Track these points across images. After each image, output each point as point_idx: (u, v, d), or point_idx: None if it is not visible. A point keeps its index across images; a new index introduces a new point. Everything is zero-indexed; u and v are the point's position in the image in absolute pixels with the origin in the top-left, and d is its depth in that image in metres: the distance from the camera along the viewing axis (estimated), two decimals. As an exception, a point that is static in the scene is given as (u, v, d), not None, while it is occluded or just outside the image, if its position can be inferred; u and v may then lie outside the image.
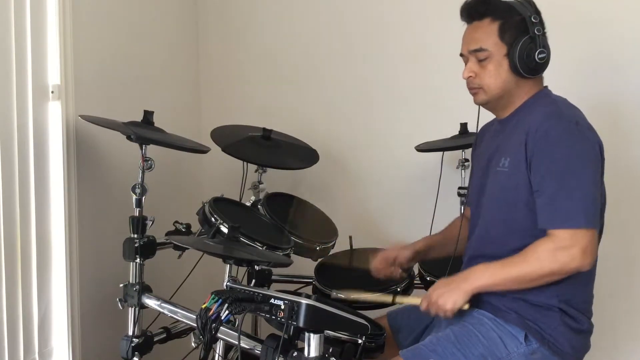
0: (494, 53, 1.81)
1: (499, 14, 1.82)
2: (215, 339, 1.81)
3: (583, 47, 2.59)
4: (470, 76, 1.86)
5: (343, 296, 2.13)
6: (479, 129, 2.05)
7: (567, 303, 1.79)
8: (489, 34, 1.82)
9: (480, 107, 1.92)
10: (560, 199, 1.70)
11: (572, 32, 2.55)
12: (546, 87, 1.90)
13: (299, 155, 2.72)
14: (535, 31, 1.79)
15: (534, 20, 1.80)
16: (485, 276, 1.76)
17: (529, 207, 1.77)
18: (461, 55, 1.89)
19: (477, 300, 1.80)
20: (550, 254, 1.69)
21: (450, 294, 1.77)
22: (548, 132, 1.74)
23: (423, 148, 2.63)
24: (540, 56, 1.80)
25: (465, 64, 1.87)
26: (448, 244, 2.09)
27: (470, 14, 1.86)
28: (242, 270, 2.23)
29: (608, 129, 2.48)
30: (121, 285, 2.19)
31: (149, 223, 2.20)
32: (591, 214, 1.70)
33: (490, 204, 1.88)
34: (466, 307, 1.78)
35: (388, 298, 2.04)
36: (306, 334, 1.62)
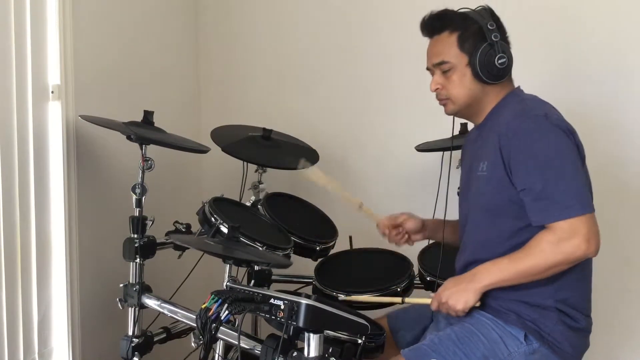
0: (456, 64, 1.85)
1: (456, 25, 1.86)
2: (215, 339, 1.81)
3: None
4: (437, 88, 1.90)
5: (350, 299, 2.13)
6: (460, 137, 2.08)
7: (563, 302, 1.79)
8: (449, 46, 1.86)
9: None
10: (550, 192, 1.71)
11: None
12: (518, 87, 1.92)
13: (299, 155, 2.72)
14: (493, 37, 1.82)
15: (490, 27, 1.82)
16: (493, 273, 1.77)
17: (512, 207, 1.78)
18: (427, 69, 1.94)
19: (481, 301, 1.80)
20: (554, 246, 1.69)
21: (460, 294, 1.78)
22: (518, 130, 1.75)
23: (423, 148, 2.63)
24: (500, 61, 1.82)
25: (432, 77, 1.92)
26: (456, 232, 2.09)
27: (429, 29, 1.90)
28: (242, 270, 2.23)
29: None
30: (121, 285, 2.19)
31: (149, 223, 2.20)
32: (584, 199, 1.71)
33: (475, 210, 1.90)
34: (477, 304, 1.79)
35: (397, 299, 2.04)
36: (306, 334, 1.62)
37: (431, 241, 2.35)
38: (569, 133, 1.77)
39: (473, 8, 1.87)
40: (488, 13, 1.86)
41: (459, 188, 2.54)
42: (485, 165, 1.83)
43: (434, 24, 1.89)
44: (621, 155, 2.58)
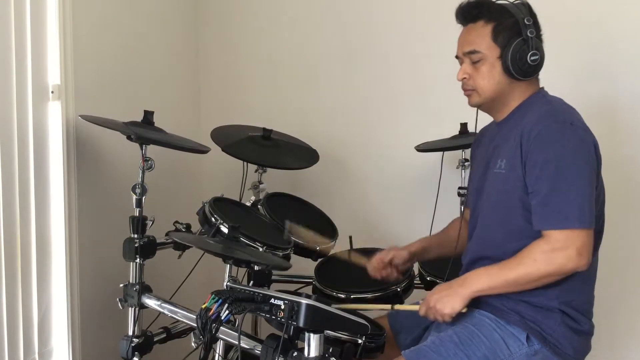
0: (487, 55, 1.83)
1: (492, 16, 1.82)
2: (215, 339, 1.81)
3: (580, 48, 2.60)
4: (465, 78, 1.87)
5: (342, 307, 2.13)
6: (477, 130, 2.05)
7: (567, 304, 1.79)
8: (482, 36, 1.83)
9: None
10: (555, 200, 1.70)
11: (569, 34, 2.57)
12: (542, 88, 1.90)
13: (299, 155, 2.72)
14: (528, 33, 1.79)
15: (526, 23, 1.80)
16: (482, 280, 1.76)
17: (525, 208, 1.77)
18: (456, 57, 1.91)
19: (479, 301, 1.80)
20: (546, 256, 1.69)
21: (448, 299, 1.77)
22: (542, 132, 1.74)
23: (423, 148, 2.63)
24: (532, 58, 1.79)
25: (461, 66, 1.89)
26: (446, 245, 2.10)
27: (464, 16, 1.87)
28: (242, 270, 2.23)
29: (606, 131, 2.51)
30: (121, 285, 2.19)
31: (149, 223, 2.20)
32: (586, 214, 1.70)
33: (488, 207, 1.88)
34: (464, 310, 1.78)
35: (387, 307, 2.02)
36: (306, 334, 1.62)
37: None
38: (591, 145, 1.76)
39: (511, 1, 1.84)
40: (526, 8, 1.83)
41: (459, 188, 2.56)
42: (503, 163, 1.82)
43: (470, 11, 1.85)
44: (622, 155, 2.57)
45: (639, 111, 2.56)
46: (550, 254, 1.69)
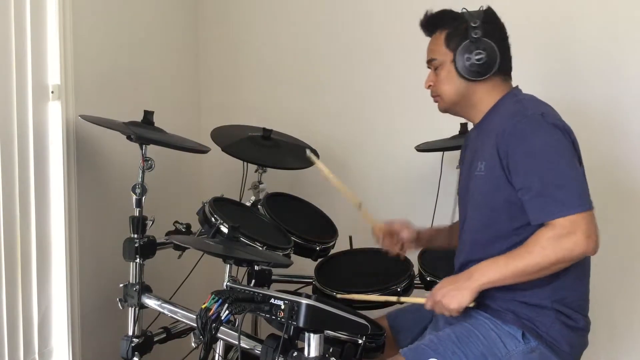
0: (443, 61, 1.91)
1: (446, 24, 1.91)
2: (215, 339, 1.81)
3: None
4: (430, 85, 1.96)
5: (347, 297, 2.13)
6: (460, 137, 2.10)
7: (560, 302, 1.79)
8: (438, 44, 1.92)
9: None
10: (549, 190, 1.70)
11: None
12: (515, 87, 1.93)
13: (299, 155, 2.72)
14: (473, 35, 1.84)
15: (473, 25, 1.85)
16: (490, 272, 1.76)
17: (509, 207, 1.78)
18: (427, 67, 1.99)
19: (477, 301, 1.80)
20: (554, 243, 1.68)
21: (455, 293, 1.77)
22: (514, 130, 1.76)
23: (423, 148, 2.63)
24: (477, 57, 1.84)
25: None
26: (452, 237, 2.10)
27: (425, 29, 1.97)
28: (242, 270, 2.23)
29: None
30: (121, 285, 2.19)
31: (149, 223, 2.20)
32: (583, 195, 1.71)
33: (474, 210, 1.90)
34: (472, 305, 1.78)
35: (392, 298, 2.04)
36: (306, 334, 1.62)
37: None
38: (565, 131, 1.77)
39: (475, 9, 1.89)
40: (481, 12, 1.89)
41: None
42: (482, 165, 1.84)
43: (427, 25, 1.95)
44: (620, 155, 2.58)
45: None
46: (557, 240, 1.68)
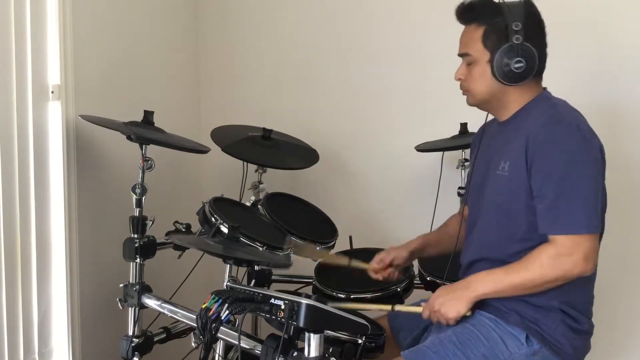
0: (478, 59, 1.83)
1: (484, 19, 1.82)
2: (215, 339, 1.81)
3: (584, 50, 2.60)
4: (460, 79, 1.89)
5: (340, 307, 2.13)
6: (479, 127, 2.06)
7: (567, 304, 1.79)
8: (474, 39, 1.84)
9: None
10: (562, 205, 1.70)
11: (574, 35, 2.57)
12: (545, 89, 1.89)
13: (299, 155, 2.72)
14: (514, 40, 1.76)
15: (514, 28, 1.76)
16: (487, 283, 1.76)
17: (528, 212, 1.76)
18: (459, 55, 1.91)
19: (478, 301, 1.80)
20: (553, 261, 1.69)
21: (452, 302, 1.77)
22: (548, 136, 1.73)
23: (423, 148, 2.63)
24: (516, 65, 1.77)
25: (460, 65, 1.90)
26: (444, 242, 2.10)
27: (460, 18, 1.88)
28: (242, 270, 2.23)
29: (607, 130, 2.50)
30: (121, 285, 2.19)
31: (149, 223, 2.20)
32: (593, 219, 1.70)
33: (490, 208, 1.87)
34: (469, 314, 1.79)
35: (386, 307, 2.01)
36: (306, 334, 1.62)
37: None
38: (597, 148, 1.76)
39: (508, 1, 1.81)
40: (522, 9, 1.79)
41: (459, 188, 2.56)
42: (507, 165, 1.80)
43: (464, 14, 1.86)
44: (624, 155, 2.57)
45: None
46: (556, 259, 1.69)
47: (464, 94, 1.91)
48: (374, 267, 2.14)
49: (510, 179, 1.79)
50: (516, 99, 1.86)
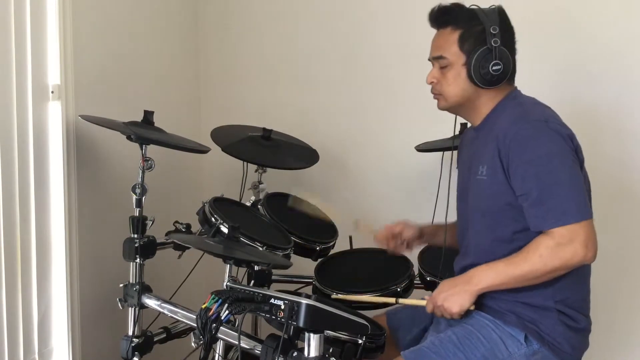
0: (453, 62, 1.84)
1: (460, 23, 1.84)
2: (215, 339, 1.81)
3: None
4: (432, 82, 1.89)
5: (343, 297, 2.13)
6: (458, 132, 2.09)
7: (563, 303, 1.79)
8: (449, 42, 1.85)
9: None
10: (549, 199, 1.70)
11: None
12: (515, 88, 1.90)
13: (299, 155, 2.72)
14: (492, 42, 1.79)
15: (492, 31, 1.79)
16: (489, 276, 1.76)
17: (513, 211, 1.77)
18: (429, 59, 1.92)
19: (476, 303, 1.80)
20: (552, 251, 1.69)
21: (456, 297, 1.78)
22: (517, 135, 1.74)
23: (423, 148, 2.63)
24: (494, 68, 1.79)
25: (431, 69, 1.91)
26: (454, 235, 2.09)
27: (435, 21, 1.89)
28: (242, 270, 2.23)
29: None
30: (121, 285, 2.19)
31: (149, 223, 2.20)
32: (582, 205, 1.71)
33: (475, 214, 1.89)
34: (472, 307, 1.79)
35: (391, 299, 2.03)
36: (306, 334, 1.62)
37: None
38: (568, 138, 1.76)
39: (485, 6, 1.84)
40: (496, 14, 1.83)
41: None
42: (484, 169, 1.82)
43: (439, 18, 1.87)
44: (620, 155, 2.57)
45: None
46: (556, 249, 1.69)
47: (435, 97, 1.92)
48: (381, 232, 2.15)
49: (491, 183, 1.80)
50: (487, 102, 1.87)
